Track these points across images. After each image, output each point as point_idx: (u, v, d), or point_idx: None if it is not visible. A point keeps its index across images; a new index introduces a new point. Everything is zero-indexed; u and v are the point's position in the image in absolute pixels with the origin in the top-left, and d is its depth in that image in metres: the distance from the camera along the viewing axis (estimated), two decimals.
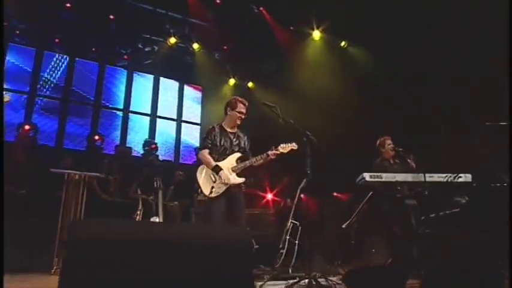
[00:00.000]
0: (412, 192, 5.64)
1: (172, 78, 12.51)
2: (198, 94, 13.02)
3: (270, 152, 4.70)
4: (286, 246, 5.67)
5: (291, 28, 9.97)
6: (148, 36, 10.69)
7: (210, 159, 4.70)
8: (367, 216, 5.58)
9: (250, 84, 12.28)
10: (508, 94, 4.85)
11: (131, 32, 10.34)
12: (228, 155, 4.71)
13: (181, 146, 12.35)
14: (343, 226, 5.54)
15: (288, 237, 5.73)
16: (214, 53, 11.21)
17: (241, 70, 11.99)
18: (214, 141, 4.70)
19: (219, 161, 4.66)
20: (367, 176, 5.11)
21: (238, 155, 4.73)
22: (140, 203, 6.13)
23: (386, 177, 5.23)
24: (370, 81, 8.77)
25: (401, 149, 5.85)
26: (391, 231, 5.26)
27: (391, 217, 5.30)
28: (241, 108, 4.94)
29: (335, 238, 6.38)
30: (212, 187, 4.57)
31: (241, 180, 4.63)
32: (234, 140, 4.80)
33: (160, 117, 12.14)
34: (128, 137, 11.31)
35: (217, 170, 4.56)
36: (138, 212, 5.99)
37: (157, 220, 6.10)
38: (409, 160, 5.74)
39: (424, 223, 5.21)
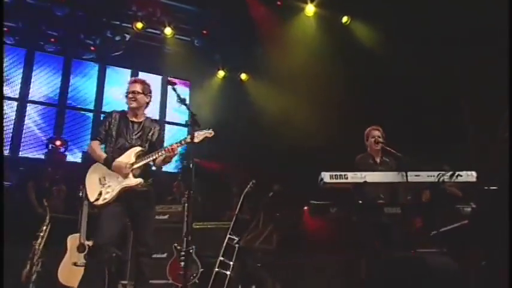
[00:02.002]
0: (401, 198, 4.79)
1: (153, 72, 11.95)
2: (186, 90, 12.45)
3: (173, 145, 4.00)
4: (216, 270, 4.90)
5: (278, 3, 9.21)
6: (118, 22, 10.23)
7: (100, 153, 4.06)
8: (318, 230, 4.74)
9: (243, 76, 11.73)
10: (508, 94, 4.58)
11: (97, 17, 9.91)
12: (127, 149, 4.00)
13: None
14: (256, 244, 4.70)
15: (221, 259, 4.97)
16: (193, 40, 10.59)
17: (230, 59, 11.40)
18: (109, 131, 4.02)
19: (114, 157, 3.96)
20: (326, 176, 4.36)
21: (137, 149, 4.03)
22: (48, 217, 5.48)
23: (354, 177, 4.42)
24: (379, 66, 8.25)
25: (382, 142, 5.06)
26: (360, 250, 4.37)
27: (361, 232, 4.42)
28: (131, 87, 4.28)
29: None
30: (100, 192, 3.87)
31: (136, 181, 3.91)
32: (137, 130, 4.09)
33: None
34: None
35: (108, 165, 3.87)
36: (42, 233, 5.31)
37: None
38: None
39: (406, 241, 4.41)
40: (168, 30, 10.13)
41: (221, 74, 11.67)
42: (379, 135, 5.29)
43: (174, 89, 4.36)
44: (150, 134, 4.36)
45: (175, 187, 9.06)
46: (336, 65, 8.92)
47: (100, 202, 3.94)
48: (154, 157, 4.13)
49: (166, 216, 6.38)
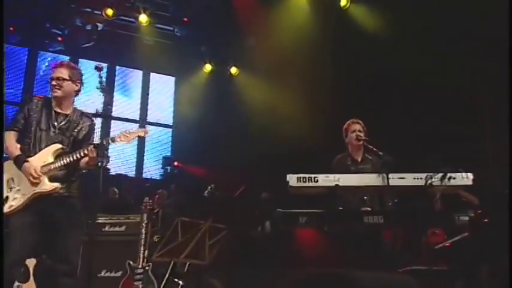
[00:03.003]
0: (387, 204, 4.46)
1: (132, 66, 11.93)
2: (170, 87, 12.27)
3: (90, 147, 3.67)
4: None
5: None
6: (89, 9, 10.04)
7: (12, 148, 3.73)
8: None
9: (233, 69, 11.47)
10: (508, 94, 5.12)
11: (64, 4, 9.72)
12: (46, 146, 3.69)
13: (145, 156, 11.55)
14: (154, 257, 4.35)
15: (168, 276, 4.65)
16: (173, 29, 10.33)
17: (218, 51, 11.16)
18: (29, 120, 3.70)
19: (30, 156, 3.65)
20: (292, 179, 4.03)
21: (56, 147, 3.70)
22: None
23: (326, 180, 4.06)
24: (381, 56, 8.12)
25: (364, 139, 4.73)
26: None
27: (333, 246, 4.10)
28: (56, 72, 3.96)
29: None
30: (6, 198, 3.54)
31: (52, 186, 3.57)
32: (61, 124, 3.77)
33: (117, 118, 11.50)
34: None
35: (19, 164, 3.56)
36: None
37: None
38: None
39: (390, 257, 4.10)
40: (143, 18, 9.78)
41: (208, 67, 11.39)
42: (360, 130, 4.93)
43: (100, 76, 3.97)
44: (76, 129, 3.99)
45: (157, 195, 8.80)
46: (334, 53, 8.78)
47: (6, 210, 3.59)
48: (74, 158, 3.74)
49: (122, 228, 6.03)
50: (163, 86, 12.27)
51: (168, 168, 11.30)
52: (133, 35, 10.81)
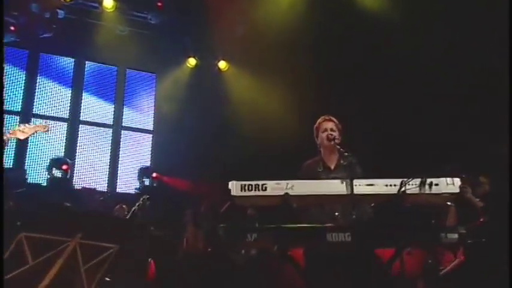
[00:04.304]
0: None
1: (105, 62, 11.70)
2: (151, 85, 12.04)
3: None
4: None
5: None
6: None
7: None
8: None
9: (221, 64, 11.28)
10: (508, 94, 5.58)
11: None
12: None
13: (119, 167, 11.30)
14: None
15: None
16: (146, 16, 10.12)
17: (203, 43, 10.95)
18: None
19: None
20: (235, 186, 3.86)
21: None
22: None
23: (277, 188, 3.84)
24: (385, 42, 8.51)
25: (337, 138, 4.44)
26: None
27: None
28: None
29: None
30: None
31: None
32: None
33: (85, 122, 11.33)
34: (27, 154, 10.44)
35: None
36: None
37: None
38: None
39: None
40: (107, 2, 9.61)
41: (192, 62, 11.23)
42: (332, 128, 4.64)
43: None
44: None
45: (117, 211, 8.59)
46: (335, 41, 9.00)
47: None
48: None
49: None
50: (141, 85, 12.00)
51: (146, 180, 11.06)
52: (103, 25, 10.59)
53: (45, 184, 10.08)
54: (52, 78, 11.13)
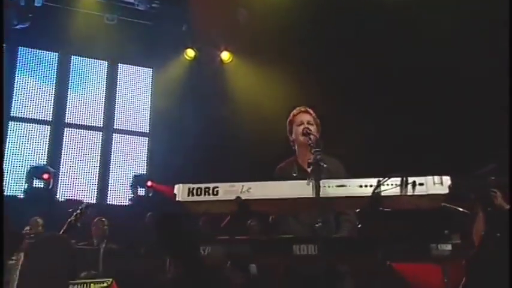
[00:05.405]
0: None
1: (93, 56, 11.74)
2: (146, 82, 12.01)
3: None
4: None
5: None
6: None
7: None
8: None
9: (224, 55, 11.22)
10: (508, 94, 6.03)
11: None
12: None
13: (110, 175, 11.27)
14: None
15: None
16: (133, 2, 10.12)
17: (203, 31, 10.87)
18: None
19: None
20: (182, 190, 3.85)
21: None
22: None
23: (230, 191, 3.89)
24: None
25: (313, 134, 4.34)
26: None
27: None
28: None
29: None
30: None
31: None
32: None
33: (71, 125, 11.36)
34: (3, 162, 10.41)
35: None
36: None
37: None
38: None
39: None
40: None
41: (190, 53, 11.19)
42: (309, 121, 4.49)
43: None
44: None
45: (94, 226, 8.55)
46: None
47: None
48: None
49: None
50: (135, 81, 11.98)
51: (140, 190, 11.02)
52: (88, 13, 10.61)
53: (22, 196, 10.03)
54: (32, 76, 11.11)
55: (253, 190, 3.58)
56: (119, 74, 11.90)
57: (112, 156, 11.46)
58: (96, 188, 11.18)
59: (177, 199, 3.66)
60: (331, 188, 3.47)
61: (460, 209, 4.07)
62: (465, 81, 8.18)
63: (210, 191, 3.65)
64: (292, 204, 3.66)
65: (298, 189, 3.56)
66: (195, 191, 3.66)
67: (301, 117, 4.53)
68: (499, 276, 4.30)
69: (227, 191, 3.62)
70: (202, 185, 3.68)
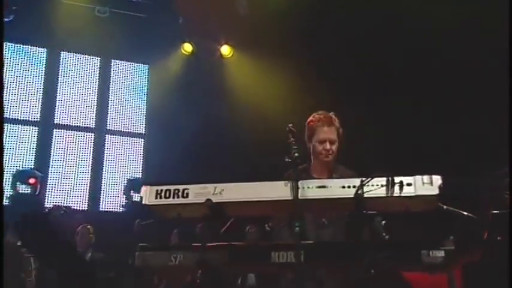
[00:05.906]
0: None
1: (84, 52, 11.72)
2: (142, 79, 11.95)
3: None
4: None
5: None
6: None
7: None
8: None
9: (224, 49, 11.17)
10: (508, 94, 6.19)
11: None
12: None
13: (103, 179, 11.20)
14: None
15: None
16: None
17: (200, 23, 10.81)
18: None
19: None
20: (149, 192, 3.90)
21: None
22: None
23: (200, 194, 3.72)
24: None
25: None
26: None
27: None
28: None
29: None
30: None
31: None
32: None
33: (61, 126, 11.36)
34: None
35: None
36: None
37: None
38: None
39: None
40: None
41: (188, 48, 11.17)
42: (332, 141, 4.57)
43: None
44: None
45: (78, 234, 8.51)
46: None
47: None
48: None
49: None
50: (130, 79, 11.94)
51: (134, 195, 10.91)
52: (77, 5, 10.57)
53: (6, 203, 9.96)
54: (19, 73, 11.08)
55: (226, 192, 3.53)
56: (112, 71, 11.86)
57: (105, 159, 11.41)
58: (87, 193, 11.10)
59: (143, 202, 3.65)
60: (311, 189, 3.43)
61: (464, 213, 3.89)
62: (465, 81, 8.46)
63: (180, 193, 3.61)
64: (268, 206, 3.64)
65: (275, 190, 3.52)
66: (163, 194, 3.68)
67: (326, 135, 4.51)
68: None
69: (198, 193, 3.57)
70: (172, 187, 3.67)
